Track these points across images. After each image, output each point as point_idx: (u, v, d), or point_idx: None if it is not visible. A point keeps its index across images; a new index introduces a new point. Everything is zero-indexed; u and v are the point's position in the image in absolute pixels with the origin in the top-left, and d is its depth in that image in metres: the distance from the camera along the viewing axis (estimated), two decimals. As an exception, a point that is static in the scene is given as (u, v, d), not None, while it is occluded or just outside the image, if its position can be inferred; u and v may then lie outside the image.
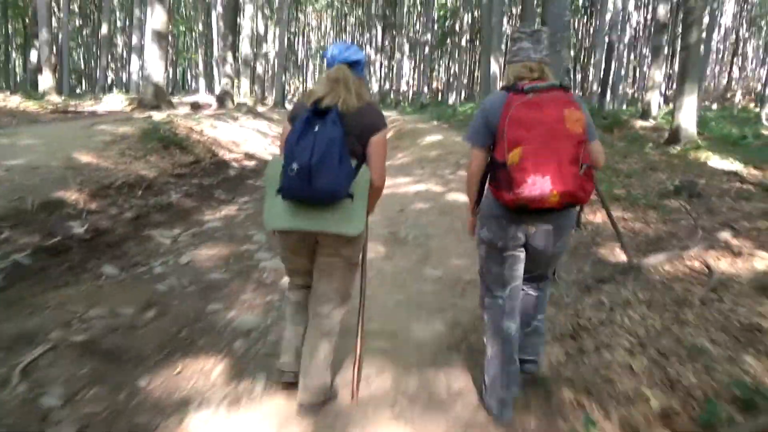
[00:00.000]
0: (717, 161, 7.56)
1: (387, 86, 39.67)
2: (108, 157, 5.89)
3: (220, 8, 20.64)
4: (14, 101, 11.50)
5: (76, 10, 32.18)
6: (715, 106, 20.85)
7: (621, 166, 7.30)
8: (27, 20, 24.15)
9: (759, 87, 27.27)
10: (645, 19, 30.43)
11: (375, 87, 35.70)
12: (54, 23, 22.58)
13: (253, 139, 11.54)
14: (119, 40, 34.52)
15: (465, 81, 35.48)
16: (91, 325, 2.84)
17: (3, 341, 2.58)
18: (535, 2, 13.53)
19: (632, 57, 31.12)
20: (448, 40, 36.08)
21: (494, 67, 16.05)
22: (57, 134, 6.54)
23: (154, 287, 3.49)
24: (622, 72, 26.05)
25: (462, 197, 5.96)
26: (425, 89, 32.56)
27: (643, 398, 2.16)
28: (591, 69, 25.57)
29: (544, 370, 2.47)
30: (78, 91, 27.26)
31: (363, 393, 2.31)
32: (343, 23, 46.91)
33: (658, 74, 13.88)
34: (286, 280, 3.63)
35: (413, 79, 38.35)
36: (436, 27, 33.77)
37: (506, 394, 2.14)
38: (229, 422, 2.15)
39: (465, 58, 33.55)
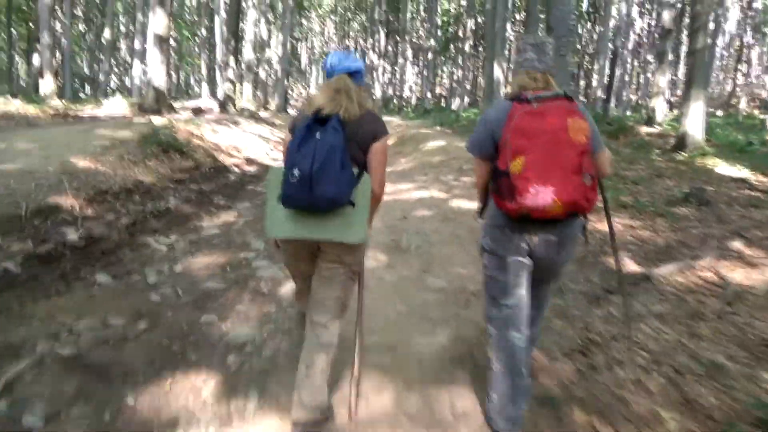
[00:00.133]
0: (724, 168, 7.45)
1: (390, 92, 39.71)
2: (106, 161, 5.79)
3: (223, 13, 20.72)
4: (14, 105, 11.44)
5: (80, 14, 32.31)
6: (719, 113, 20.77)
7: (627, 172, 7.19)
8: (30, 24, 24.21)
9: (764, 94, 27.15)
10: (648, 25, 30.39)
11: (378, 92, 35.74)
12: (58, 28, 22.60)
13: (255, 144, 11.48)
14: (123, 45, 34.63)
15: (468, 87, 35.38)
16: (80, 337, 2.73)
17: (-13, 354, 2.47)
18: (539, 8, 13.51)
19: (636, 63, 31.09)
20: (452, 46, 36.11)
21: (498, 73, 15.95)
22: (55, 138, 6.44)
23: (147, 296, 3.38)
24: (626, 78, 26.00)
25: (465, 204, 5.85)
26: (428, 95, 32.54)
27: (659, 420, 2.05)
28: (595, 75, 25.53)
29: (554, 390, 2.35)
30: (81, 95, 27.24)
31: (361, 412, 2.20)
32: (346, 28, 47.03)
33: (662, 80, 13.81)
34: (284, 290, 3.56)
35: (416, 84, 38.35)
36: (439, 33, 33.82)
37: (515, 412, 2.04)
38: (219, 443, 2.03)
39: (468, 63, 33.48)
